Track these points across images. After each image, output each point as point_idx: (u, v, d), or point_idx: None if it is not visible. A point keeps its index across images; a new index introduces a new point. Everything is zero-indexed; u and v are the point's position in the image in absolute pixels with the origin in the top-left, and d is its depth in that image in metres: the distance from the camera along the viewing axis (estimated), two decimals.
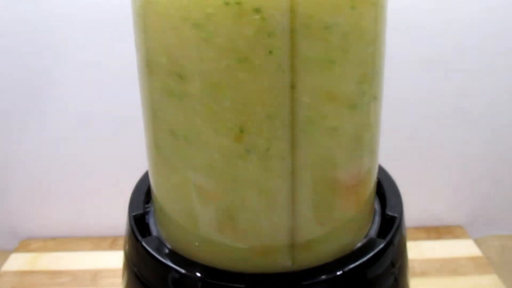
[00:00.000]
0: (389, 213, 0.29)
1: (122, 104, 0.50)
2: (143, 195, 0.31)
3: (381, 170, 0.32)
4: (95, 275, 0.51)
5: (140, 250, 0.28)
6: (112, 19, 0.47)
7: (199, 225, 0.26)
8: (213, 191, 0.25)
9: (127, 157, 0.51)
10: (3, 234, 0.57)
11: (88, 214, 0.56)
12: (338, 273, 0.25)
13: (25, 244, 0.56)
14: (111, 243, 0.56)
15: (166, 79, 0.24)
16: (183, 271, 0.26)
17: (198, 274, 0.26)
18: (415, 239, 0.55)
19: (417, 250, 0.53)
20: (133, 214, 0.30)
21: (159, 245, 0.28)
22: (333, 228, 0.26)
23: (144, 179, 0.32)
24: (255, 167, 0.24)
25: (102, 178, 0.54)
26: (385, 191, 0.31)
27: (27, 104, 0.51)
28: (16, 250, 0.56)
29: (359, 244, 0.28)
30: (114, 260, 0.52)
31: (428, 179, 0.55)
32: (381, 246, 0.27)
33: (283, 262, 0.26)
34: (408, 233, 0.31)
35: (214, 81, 0.22)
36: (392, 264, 0.28)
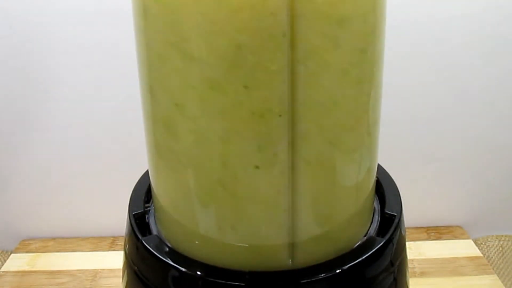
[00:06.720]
0: (388, 211, 0.29)
1: (122, 104, 0.50)
2: (143, 194, 0.31)
3: (381, 170, 0.33)
4: (95, 275, 0.51)
5: (140, 248, 0.28)
6: (113, 19, 0.47)
7: (199, 224, 0.26)
8: (213, 191, 0.25)
9: (127, 157, 0.51)
10: (3, 234, 0.57)
11: (88, 214, 0.56)
12: (337, 271, 0.25)
13: (25, 244, 0.56)
14: (111, 243, 0.56)
15: (166, 71, 0.24)
16: (183, 269, 0.26)
17: (198, 272, 0.26)
18: (415, 239, 0.55)
19: (417, 250, 0.53)
20: (133, 213, 0.30)
21: (159, 243, 0.28)
22: (332, 227, 0.26)
23: (144, 178, 0.32)
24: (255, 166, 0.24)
25: (102, 178, 0.54)
26: (384, 190, 0.31)
27: (27, 105, 0.51)
28: (16, 250, 0.56)
29: (358, 243, 0.28)
30: (114, 260, 0.52)
31: (428, 179, 0.55)
32: (380, 244, 0.27)
33: (282, 261, 0.26)
34: (407, 233, 0.31)
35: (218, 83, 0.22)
36: (391, 263, 0.28)
